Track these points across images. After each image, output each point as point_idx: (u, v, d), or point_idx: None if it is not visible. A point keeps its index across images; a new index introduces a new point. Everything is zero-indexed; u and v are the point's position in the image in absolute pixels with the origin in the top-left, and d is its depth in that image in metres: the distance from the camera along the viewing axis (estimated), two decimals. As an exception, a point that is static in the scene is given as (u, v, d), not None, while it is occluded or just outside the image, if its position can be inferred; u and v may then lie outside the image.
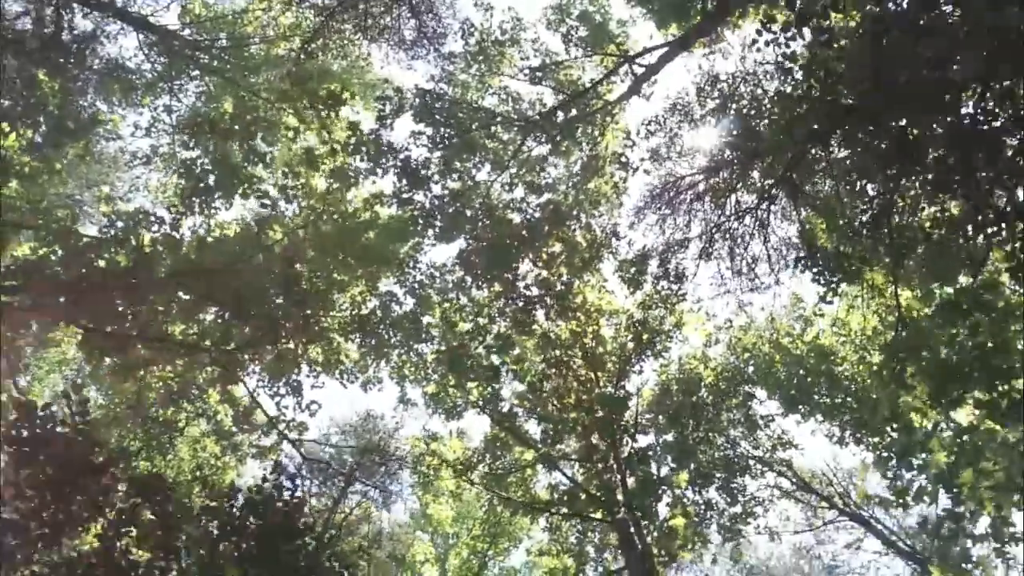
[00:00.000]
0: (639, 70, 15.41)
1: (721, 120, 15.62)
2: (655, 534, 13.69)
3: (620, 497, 13.98)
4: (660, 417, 20.30)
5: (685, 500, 14.48)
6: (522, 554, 20.83)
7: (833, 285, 13.30)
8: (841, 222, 11.70)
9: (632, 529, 13.36)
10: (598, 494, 14.45)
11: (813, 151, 14.33)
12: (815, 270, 11.87)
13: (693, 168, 17.44)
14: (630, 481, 14.61)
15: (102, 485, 6.31)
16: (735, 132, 15.25)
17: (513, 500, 16.58)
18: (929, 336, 7.63)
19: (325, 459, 17.81)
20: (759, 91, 14.77)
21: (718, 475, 19.81)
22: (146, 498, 6.49)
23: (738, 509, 19.11)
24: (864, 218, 11.43)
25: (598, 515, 14.57)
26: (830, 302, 14.49)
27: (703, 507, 18.81)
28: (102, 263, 9.74)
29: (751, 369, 19.97)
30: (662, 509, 14.93)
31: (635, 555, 12.84)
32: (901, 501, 8.35)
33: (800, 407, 20.00)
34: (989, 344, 7.09)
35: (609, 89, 16.18)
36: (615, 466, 14.64)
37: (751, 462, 20.26)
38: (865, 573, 20.29)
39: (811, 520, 20.26)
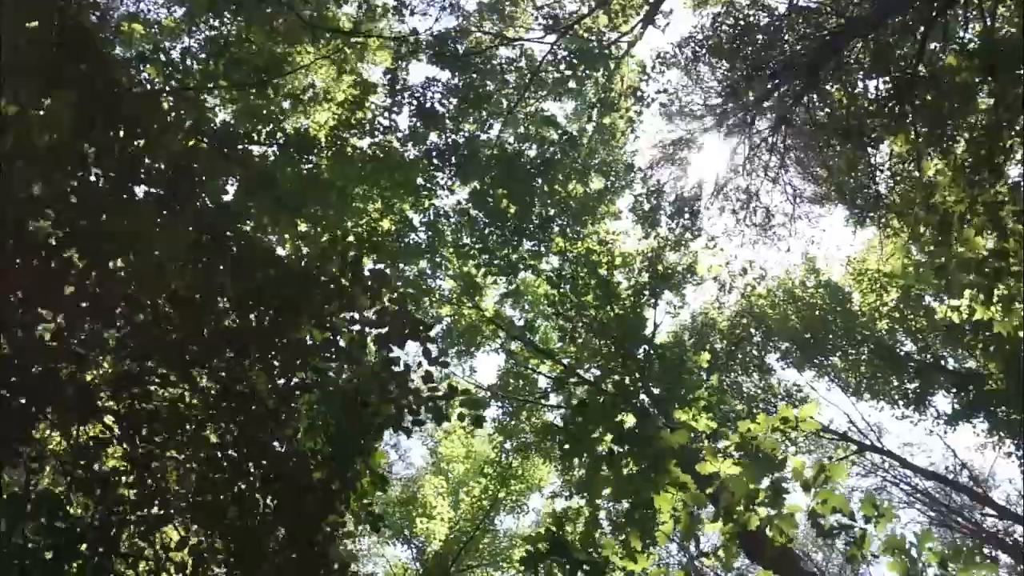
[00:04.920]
0: (654, -5, 15.72)
1: (737, 49, 15.86)
2: (673, 413, 13.46)
3: (639, 380, 13.85)
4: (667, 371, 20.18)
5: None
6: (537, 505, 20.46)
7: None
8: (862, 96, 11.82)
9: (651, 408, 13.26)
10: (612, 390, 14.29)
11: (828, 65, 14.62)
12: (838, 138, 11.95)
13: (707, 104, 17.78)
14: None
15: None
16: (751, 58, 15.54)
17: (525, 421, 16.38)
18: (968, 94, 7.64)
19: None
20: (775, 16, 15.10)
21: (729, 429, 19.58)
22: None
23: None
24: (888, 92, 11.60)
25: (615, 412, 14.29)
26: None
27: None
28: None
29: (766, 320, 19.84)
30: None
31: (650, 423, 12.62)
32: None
33: (815, 360, 19.82)
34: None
35: (624, 20, 16.47)
36: (632, 366, 14.48)
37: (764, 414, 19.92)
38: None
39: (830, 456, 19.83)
